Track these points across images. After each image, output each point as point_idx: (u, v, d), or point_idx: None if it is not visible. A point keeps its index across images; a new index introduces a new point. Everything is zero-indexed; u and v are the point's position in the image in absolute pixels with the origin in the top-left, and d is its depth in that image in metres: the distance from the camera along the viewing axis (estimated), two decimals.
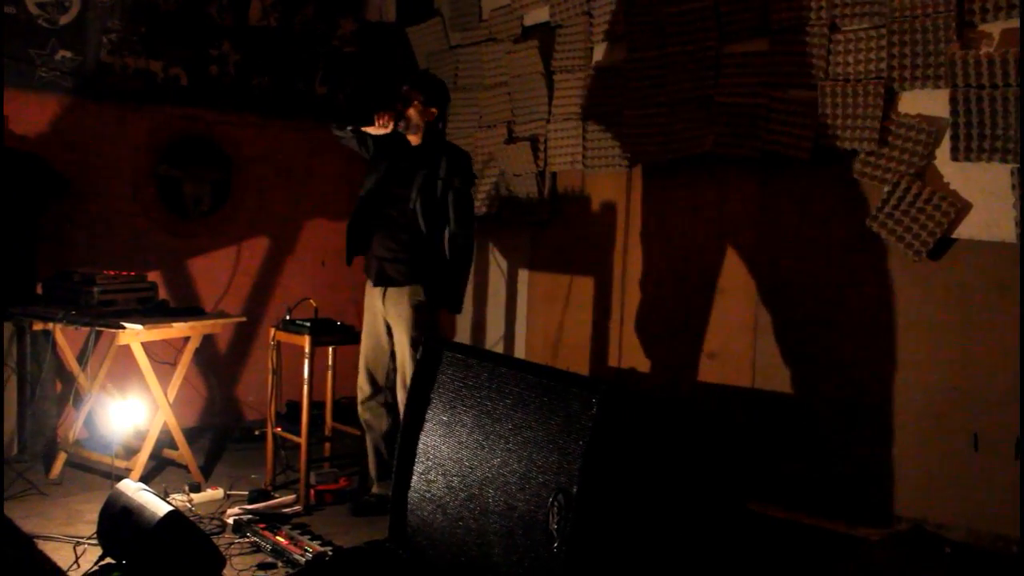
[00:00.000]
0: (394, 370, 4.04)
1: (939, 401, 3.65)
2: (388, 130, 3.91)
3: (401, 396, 3.92)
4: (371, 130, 3.94)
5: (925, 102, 3.65)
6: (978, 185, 3.53)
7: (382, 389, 4.08)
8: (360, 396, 4.10)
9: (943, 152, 3.60)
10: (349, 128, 3.99)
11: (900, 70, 3.67)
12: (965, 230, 3.57)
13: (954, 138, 3.54)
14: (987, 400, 3.50)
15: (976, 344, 3.56)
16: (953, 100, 3.52)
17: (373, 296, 4.05)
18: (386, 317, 4.00)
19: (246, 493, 4.12)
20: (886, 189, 3.73)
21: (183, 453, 4.30)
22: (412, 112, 3.95)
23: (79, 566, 3.22)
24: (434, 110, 3.99)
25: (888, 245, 3.76)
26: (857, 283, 3.89)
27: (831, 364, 3.97)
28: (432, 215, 3.92)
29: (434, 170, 3.94)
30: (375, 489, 4.11)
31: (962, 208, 3.55)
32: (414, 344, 3.84)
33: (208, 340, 4.92)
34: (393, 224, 3.96)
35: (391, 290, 3.96)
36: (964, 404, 3.58)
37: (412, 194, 3.91)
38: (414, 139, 4.01)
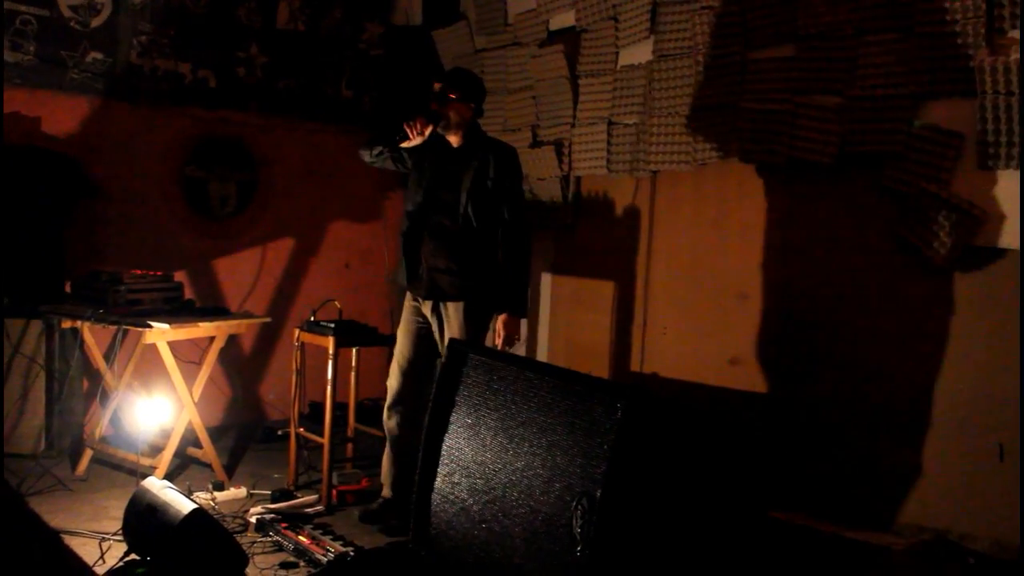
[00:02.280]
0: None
1: (964, 410, 3.62)
2: (425, 136, 3.71)
3: None
4: (408, 143, 3.73)
5: (952, 109, 3.62)
6: (1005, 193, 3.50)
7: (414, 395, 3.90)
8: (390, 401, 3.94)
9: (970, 159, 3.57)
10: (381, 149, 3.82)
11: (928, 75, 3.65)
12: (992, 238, 3.54)
13: (981, 144, 3.52)
14: (1013, 409, 3.47)
15: (1002, 352, 3.52)
16: (981, 107, 3.50)
17: (420, 304, 3.89)
18: (433, 326, 3.85)
19: (269, 492, 4.15)
20: (912, 196, 3.71)
21: (207, 452, 4.34)
22: (452, 112, 3.75)
23: (104, 562, 3.25)
24: (472, 105, 3.80)
25: (914, 252, 3.74)
26: (882, 290, 3.87)
27: (855, 371, 3.94)
28: (485, 219, 3.75)
29: (482, 171, 3.76)
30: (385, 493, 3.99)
31: (989, 216, 3.53)
32: None
33: (233, 340, 4.95)
34: (445, 233, 3.77)
35: (444, 302, 3.81)
36: (989, 413, 3.55)
37: (462, 198, 3.73)
38: (454, 139, 3.82)
